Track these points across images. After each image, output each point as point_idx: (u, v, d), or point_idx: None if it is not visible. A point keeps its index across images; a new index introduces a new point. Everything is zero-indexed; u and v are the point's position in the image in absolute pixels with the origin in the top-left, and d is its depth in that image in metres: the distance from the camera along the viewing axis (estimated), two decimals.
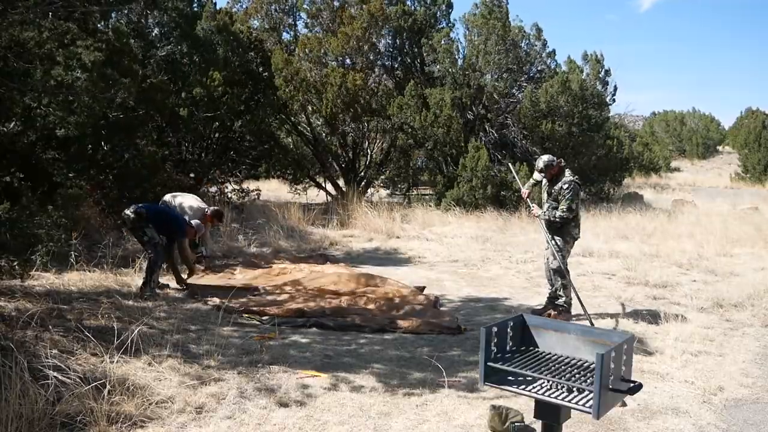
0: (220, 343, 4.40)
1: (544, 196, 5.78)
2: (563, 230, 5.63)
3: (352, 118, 13.66)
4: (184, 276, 6.51)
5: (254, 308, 5.61)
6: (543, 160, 5.71)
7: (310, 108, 14.34)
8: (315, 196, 15.48)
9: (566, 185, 5.55)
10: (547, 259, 5.77)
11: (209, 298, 5.93)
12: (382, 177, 15.68)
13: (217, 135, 12.49)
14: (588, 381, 2.18)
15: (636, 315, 5.79)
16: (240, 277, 7.09)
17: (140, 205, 6.28)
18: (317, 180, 15.43)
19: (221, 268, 7.55)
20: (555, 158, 5.72)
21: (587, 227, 10.67)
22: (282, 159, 14.57)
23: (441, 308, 6.04)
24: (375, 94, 13.52)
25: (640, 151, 23.87)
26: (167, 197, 7.69)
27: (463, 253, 9.02)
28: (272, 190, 16.99)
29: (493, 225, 10.96)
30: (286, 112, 14.06)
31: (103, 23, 8.19)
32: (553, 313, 5.62)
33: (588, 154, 14.06)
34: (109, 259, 6.60)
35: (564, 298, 5.66)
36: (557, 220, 5.56)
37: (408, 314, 5.61)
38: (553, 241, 5.60)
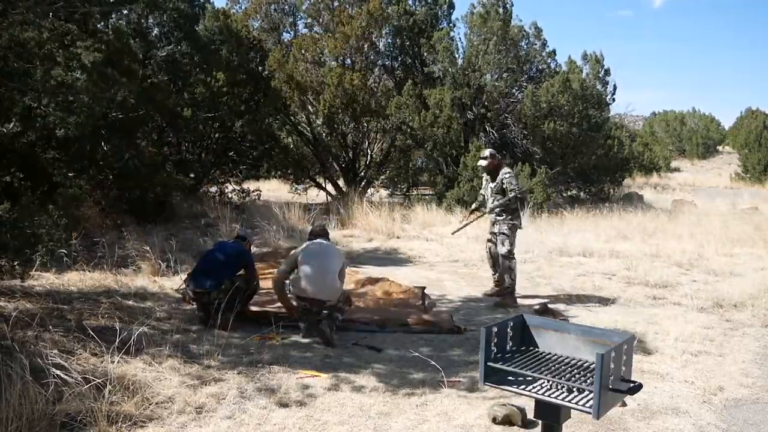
0: (221, 343, 4.40)
1: (488, 194, 6.43)
2: (507, 220, 6.29)
3: (350, 118, 13.67)
4: None
5: (255, 309, 5.59)
6: (489, 150, 6.69)
7: (309, 108, 14.35)
8: (315, 196, 15.48)
9: (506, 174, 6.30)
10: (489, 248, 6.56)
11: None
12: (382, 177, 15.68)
13: (217, 135, 12.50)
14: (588, 381, 2.18)
15: (636, 315, 5.79)
16: None
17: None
18: (317, 180, 15.43)
19: None
20: (492, 153, 6.54)
21: (587, 227, 10.70)
22: (282, 159, 14.58)
23: (434, 308, 5.99)
24: (374, 94, 13.53)
25: (640, 151, 23.88)
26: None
27: (463, 253, 9.02)
28: (272, 190, 16.99)
29: None
30: (286, 112, 14.07)
31: (103, 23, 8.19)
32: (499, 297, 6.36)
33: (588, 154, 14.07)
34: (109, 259, 6.59)
35: (509, 281, 6.28)
36: (512, 202, 6.23)
37: (406, 313, 5.61)
38: (500, 230, 6.31)
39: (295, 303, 4.99)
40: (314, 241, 5.19)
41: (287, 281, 5.01)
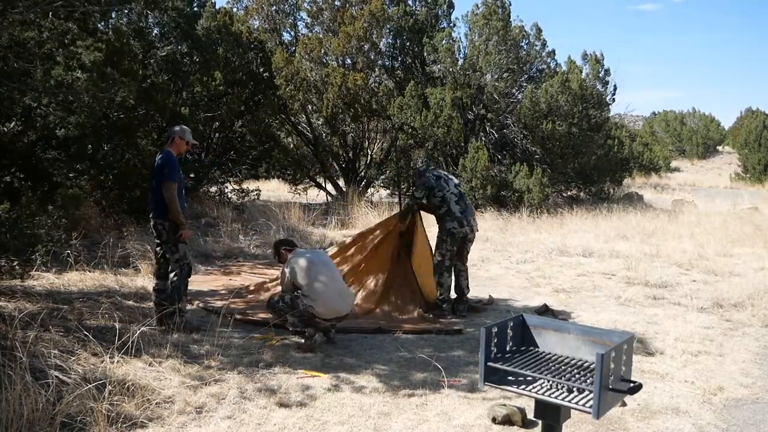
0: (221, 344, 4.40)
1: None
2: (440, 226, 5.72)
3: (352, 118, 13.68)
4: None
5: (250, 315, 5.54)
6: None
7: (310, 108, 14.35)
8: (315, 196, 15.48)
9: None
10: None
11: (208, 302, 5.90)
12: (383, 177, 15.69)
13: (217, 135, 12.50)
14: (588, 381, 2.18)
15: (636, 315, 5.79)
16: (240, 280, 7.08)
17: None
18: (317, 180, 15.43)
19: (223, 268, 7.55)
20: (420, 165, 5.99)
21: (587, 227, 10.70)
22: (282, 159, 14.57)
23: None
24: (375, 94, 13.53)
25: (640, 151, 23.87)
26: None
27: None
28: (272, 190, 17.00)
29: (493, 225, 10.97)
30: (286, 112, 14.07)
31: (103, 23, 8.19)
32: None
33: (588, 154, 14.06)
34: (109, 259, 6.60)
35: (440, 295, 5.70)
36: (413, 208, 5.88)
37: (407, 319, 5.61)
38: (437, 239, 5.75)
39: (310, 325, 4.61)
40: (297, 251, 4.83)
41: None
